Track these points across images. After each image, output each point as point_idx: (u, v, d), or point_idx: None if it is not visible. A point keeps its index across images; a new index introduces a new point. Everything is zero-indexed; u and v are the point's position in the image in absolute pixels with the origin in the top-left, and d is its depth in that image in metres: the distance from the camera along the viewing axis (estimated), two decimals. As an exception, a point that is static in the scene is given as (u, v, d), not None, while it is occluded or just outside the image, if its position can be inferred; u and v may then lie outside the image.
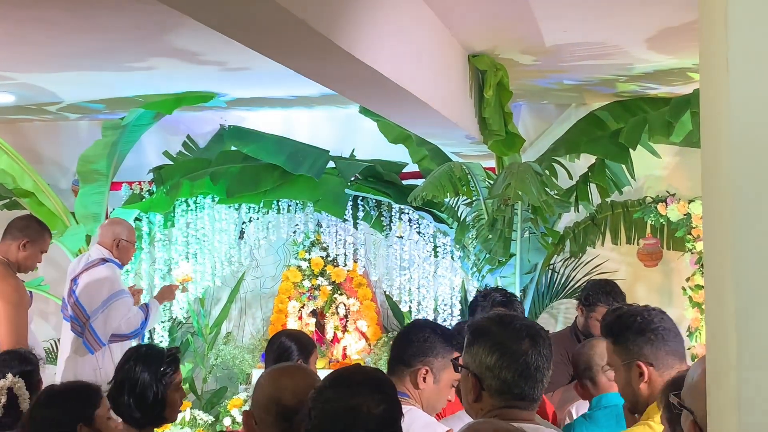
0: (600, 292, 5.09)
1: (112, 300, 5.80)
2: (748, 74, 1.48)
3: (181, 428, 7.02)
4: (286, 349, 4.36)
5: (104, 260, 5.88)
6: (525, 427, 2.45)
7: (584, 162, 6.64)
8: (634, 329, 3.00)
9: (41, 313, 7.81)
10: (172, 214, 7.42)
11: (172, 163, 7.45)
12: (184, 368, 7.44)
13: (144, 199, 7.36)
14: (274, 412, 2.82)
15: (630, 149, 6.14)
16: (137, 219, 7.39)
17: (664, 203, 6.75)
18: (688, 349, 6.56)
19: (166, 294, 6.30)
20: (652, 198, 6.87)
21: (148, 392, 3.65)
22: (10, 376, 3.87)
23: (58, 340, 6.97)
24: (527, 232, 6.24)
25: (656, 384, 2.93)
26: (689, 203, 6.67)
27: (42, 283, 7.33)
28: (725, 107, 1.51)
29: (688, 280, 6.72)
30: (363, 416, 2.43)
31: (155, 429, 3.78)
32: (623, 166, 6.36)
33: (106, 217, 7.19)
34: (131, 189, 7.55)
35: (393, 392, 2.56)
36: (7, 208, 7.34)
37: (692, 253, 6.66)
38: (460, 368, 2.70)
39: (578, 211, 6.65)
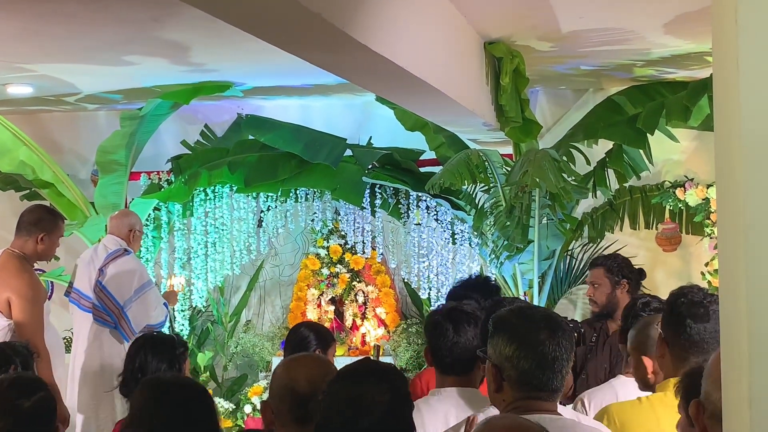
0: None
1: (144, 289, 5.95)
2: (758, 74, 1.49)
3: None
4: (304, 339, 4.40)
5: (126, 251, 5.98)
6: (545, 417, 2.47)
7: (602, 147, 6.62)
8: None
9: (62, 303, 7.87)
10: (191, 204, 7.46)
11: (190, 152, 7.49)
12: (205, 356, 7.50)
13: (163, 189, 7.40)
14: (288, 400, 2.89)
15: (648, 134, 6.13)
16: (156, 209, 7.44)
17: (682, 188, 6.73)
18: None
19: (171, 299, 6.57)
20: (670, 183, 6.85)
21: None
22: None
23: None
24: (545, 218, 6.24)
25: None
26: (708, 188, 6.64)
27: (63, 273, 7.39)
28: (737, 97, 1.52)
29: (707, 264, 6.71)
30: (368, 404, 2.49)
31: None
32: (641, 151, 6.34)
33: (126, 207, 7.24)
34: (150, 179, 7.59)
35: (401, 383, 2.60)
36: (27, 198, 7.39)
37: (711, 238, 6.64)
38: (483, 359, 2.73)
39: (596, 196, 6.63)
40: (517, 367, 2.55)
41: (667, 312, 3.13)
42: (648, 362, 3.21)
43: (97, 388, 5.79)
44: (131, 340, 5.87)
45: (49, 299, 5.77)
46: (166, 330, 7.08)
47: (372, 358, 4.53)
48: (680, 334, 3.03)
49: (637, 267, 5.34)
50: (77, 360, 6.01)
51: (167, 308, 6.23)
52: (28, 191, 7.41)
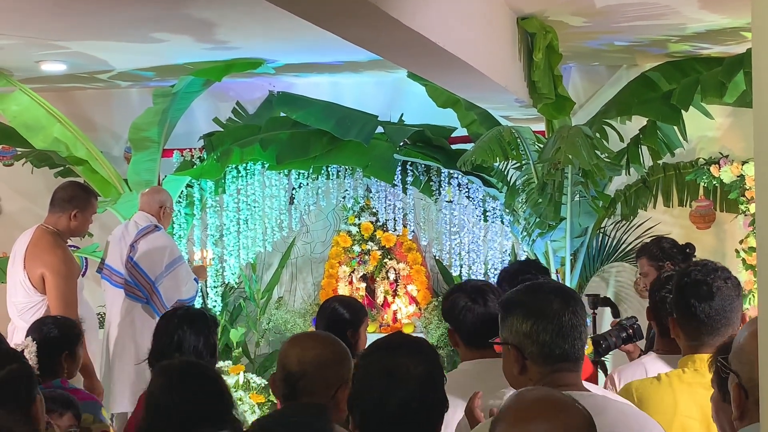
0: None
1: (175, 265, 6.01)
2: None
3: (235, 391, 7.12)
4: (338, 315, 4.38)
5: (157, 227, 6.02)
6: (574, 395, 2.45)
7: (635, 124, 6.56)
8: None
9: (96, 279, 7.94)
10: (223, 181, 7.49)
11: (222, 129, 7.51)
12: (237, 332, 7.56)
13: (195, 166, 7.43)
14: (281, 376, 2.95)
15: (682, 110, 6.06)
16: (189, 186, 7.48)
17: (717, 165, 6.66)
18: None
19: (201, 273, 6.61)
20: (704, 159, 6.79)
21: (204, 354, 3.80)
22: (29, 338, 3.97)
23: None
24: (578, 195, 6.20)
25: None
26: (743, 164, 6.58)
27: (97, 249, 7.44)
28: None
29: (741, 242, 6.65)
30: (402, 376, 2.48)
31: None
32: (675, 127, 6.28)
33: (159, 184, 7.28)
34: (182, 156, 7.63)
35: (434, 356, 2.59)
36: (61, 175, 7.44)
37: (745, 215, 6.58)
38: (499, 345, 2.71)
39: (629, 173, 6.58)
40: (537, 341, 2.53)
41: (675, 293, 3.12)
42: None
43: (129, 362, 5.85)
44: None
45: (83, 275, 5.82)
46: (197, 305, 7.16)
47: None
48: (688, 315, 3.02)
49: (684, 243, 5.29)
50: (110, 335, 6.08)
51: (197, 283, 6.28)
52: (62, 168, 7.47)
